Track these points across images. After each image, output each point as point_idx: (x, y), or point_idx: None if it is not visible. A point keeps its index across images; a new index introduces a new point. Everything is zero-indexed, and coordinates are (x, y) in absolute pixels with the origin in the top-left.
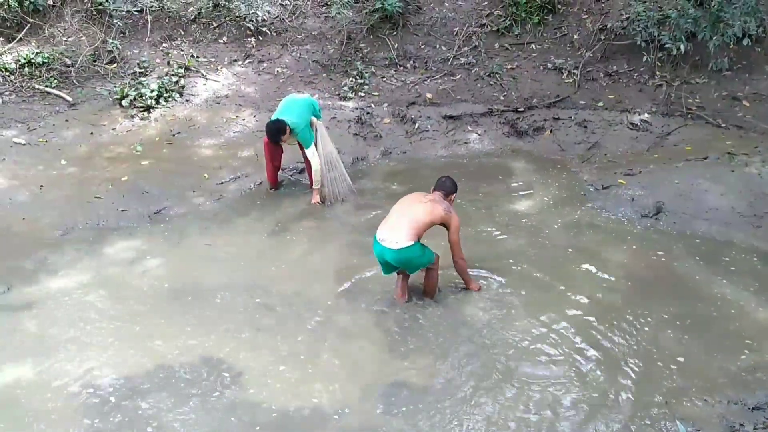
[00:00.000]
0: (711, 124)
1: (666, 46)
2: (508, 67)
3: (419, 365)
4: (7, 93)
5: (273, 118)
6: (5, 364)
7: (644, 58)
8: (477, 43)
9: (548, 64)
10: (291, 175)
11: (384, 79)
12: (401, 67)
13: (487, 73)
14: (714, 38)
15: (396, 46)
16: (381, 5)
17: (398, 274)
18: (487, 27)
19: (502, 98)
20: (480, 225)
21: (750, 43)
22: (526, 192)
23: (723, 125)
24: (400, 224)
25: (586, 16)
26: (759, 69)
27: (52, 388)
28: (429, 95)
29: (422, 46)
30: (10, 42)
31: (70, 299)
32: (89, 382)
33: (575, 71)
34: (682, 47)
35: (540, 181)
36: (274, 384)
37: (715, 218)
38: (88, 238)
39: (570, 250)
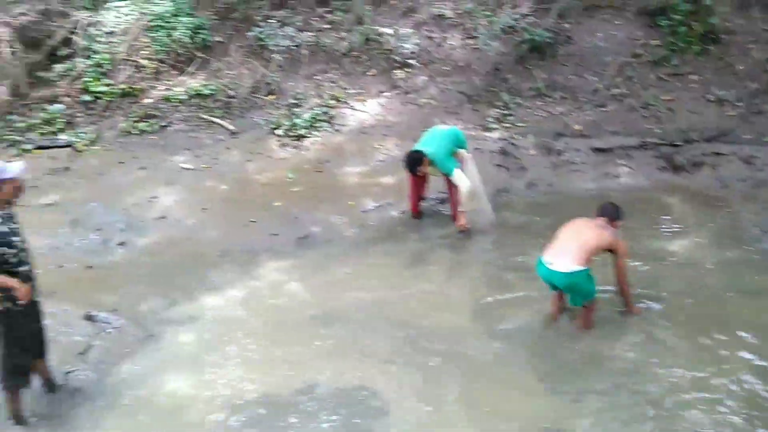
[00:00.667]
0: None
1: None
2: (665, 98)
3: (573, 410)
4: (177, 122)
5: (413, 148)
6: (166, 374)
7: None
8: (630, 74)
9: (709, 96)
10: (433, 205)
11: (530, 110)
12: (549, 98)
13: (641, 105)
14: None
15: (544, 76)
16: (530, 36)
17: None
18: (642, 57)
19: (657, 131)
20: (632, 262)
21: None
22: (681, 230)
23: None
24: (569, 248)
25: (752, 45)
26: None
27: (205, 399)
28: (577, 126)
29: (571, 77)
30: (182, 75)
31: (224, 316)
32: (239, 397)
33: (739, 103)
34: None
35: (697, 219)
36: (419, 424)
37: None
38: (243, 259)
39: (730, 293)
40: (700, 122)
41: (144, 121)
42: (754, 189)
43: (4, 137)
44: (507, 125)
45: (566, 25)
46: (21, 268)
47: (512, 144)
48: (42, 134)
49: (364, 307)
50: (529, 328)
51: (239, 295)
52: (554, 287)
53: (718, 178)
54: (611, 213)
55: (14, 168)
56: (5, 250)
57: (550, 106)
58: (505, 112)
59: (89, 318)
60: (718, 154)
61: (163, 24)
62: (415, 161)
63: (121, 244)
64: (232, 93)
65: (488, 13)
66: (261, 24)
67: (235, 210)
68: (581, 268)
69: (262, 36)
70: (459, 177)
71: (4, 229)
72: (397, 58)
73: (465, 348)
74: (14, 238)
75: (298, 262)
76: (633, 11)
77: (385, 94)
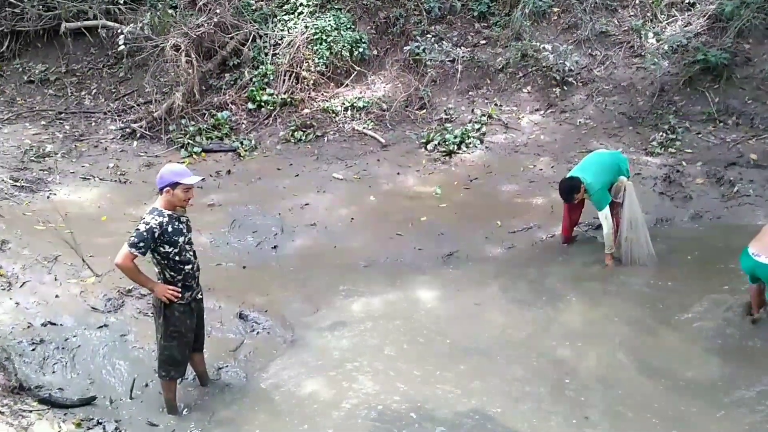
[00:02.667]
0: None
1: None
2: None
3: None
4: (331, 132)
5: (570, 174)
6: (309, 377)
7: None
8: None
9: None
10: (586, 231)
11: (699, 136)
12: (721, 123)
13: None
14: None
15: (717, 100)
16: (703, 56)
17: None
18: None
19: None
20: None
21: None
22: None
23: None
24: None
25: None
26: None
27: (340, 407)
28: (753, 156)
29: (749, 101)
30: (338, 87)
31: (365, 326)
32: (375, 407)
33: None
34: None
35: None
36: None
37: None
38: (387, 271)
39: None
40: None
41: (301, 131)
42: None
43: (177, 139)
44: (672, 150)
45: (746, 45)
46: (186, 267)
47: (677, 171)
48: (209, 138)
49: (503, 336)
50: (676, 370)
51: (381, 307)
52: (755, 279)
53: None
54: None
55: (192, 179)
56: (168, 248)
57: (722, 133)
58: (671, 136)
59: (241, 317)
60: None
61: (324, 38)
62: (571, 189)
63: (274, 247)
64: (385, 106)
65: (657, 30)
66: (418, 39)
67: (382, 222)
68: None
69: (418, 51)
70: (605, 217)
71: (169, 228)
72: (555, 75)
73: (609, 386)
74: (178, 238)
75: (442, 279)
76: None
77: (540, 112)
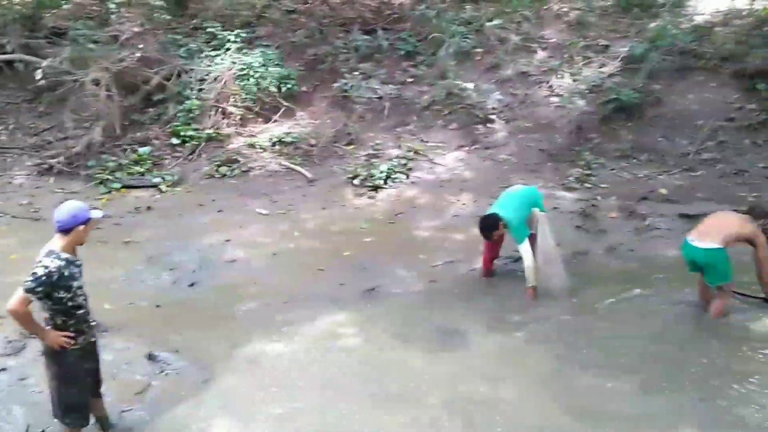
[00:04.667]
0: None
1: None
2: (761, 165)
3: None
4: (257, 168)
5: (489, 211)
6: (218, 419)
7: None
8: (723, 138)
9: None
10: (506, 264)
11: (614, 171)
12: (634, 160)
13: (734, 171)
14: None
15: (630, 137)
16: (617, 96)
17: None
18: (736, 121)
19: (751, 199)
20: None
21: None
22: None
23: None
24: (712, 229)
25: None
26: None
27: None
28: (663, 191)
29: (659, 139)
30: (267, 123)
31: (282, 365)
32: None
33: None
34: None
35: None
36: None
37: None
38: (308, 307)
39: None
40: None
41: (226, 166)
42: None
43: (96, 176)
44: (588, 186)
45: (656, 86)
46: (78, 312)
47: (593, 205)
48: (130, 174)
49: (424, 378)
50: (600, 405)
51: (298, 345)
52: (694, 266)
53: None
54: (759, 212)
55: (99, 212)
56: (62, 293)
57: (635, 169)
58: (587, 172)
59: (151, 357)
60: None
61: (252, 74)
62: (489, 227)
63: (192, 284)
64: (313, 142)
65: (574, 71)
66: (346, 75)
67: (305, 257)
68: (720, 246)
69: (347, 87)
70: (525, 251)
71: (66, 273)
72: (478, 113)
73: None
74: (73, 283)
75: (362, 314)
76: (728, 74)
77: (464, 148)
